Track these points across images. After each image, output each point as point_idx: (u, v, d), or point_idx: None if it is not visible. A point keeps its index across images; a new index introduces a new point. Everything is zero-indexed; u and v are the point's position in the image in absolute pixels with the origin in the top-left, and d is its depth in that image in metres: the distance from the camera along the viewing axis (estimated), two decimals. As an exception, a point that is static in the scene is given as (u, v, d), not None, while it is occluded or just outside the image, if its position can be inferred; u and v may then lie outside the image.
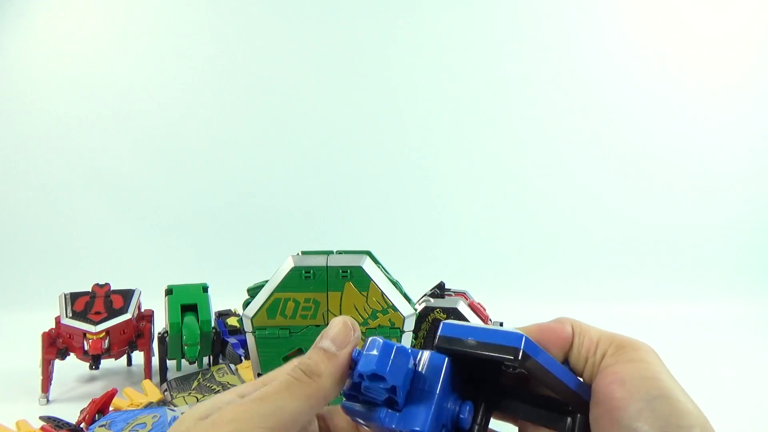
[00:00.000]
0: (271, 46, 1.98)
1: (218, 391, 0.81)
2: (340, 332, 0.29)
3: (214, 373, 0.89)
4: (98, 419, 0.70)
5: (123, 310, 0.98)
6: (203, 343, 0.96)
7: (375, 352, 0.26)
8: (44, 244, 1.78)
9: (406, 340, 0.67)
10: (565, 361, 0.29)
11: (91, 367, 0.94)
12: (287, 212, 1.91)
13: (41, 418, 0.74)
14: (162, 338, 0.97)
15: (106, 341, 0.94)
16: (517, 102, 2.01)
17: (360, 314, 0.66)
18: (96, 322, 0.95)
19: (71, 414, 0.76)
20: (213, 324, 1.00)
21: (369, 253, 0.69)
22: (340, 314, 0.67)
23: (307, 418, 0.28)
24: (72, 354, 0.96)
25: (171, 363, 1.01)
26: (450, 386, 0.27)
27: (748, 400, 0.97)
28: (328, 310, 0.66)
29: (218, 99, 1.96)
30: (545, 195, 1.96)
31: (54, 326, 0.96)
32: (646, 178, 1.97)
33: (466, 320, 0.86)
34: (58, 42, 1.89)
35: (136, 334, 1.00)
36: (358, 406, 0.28)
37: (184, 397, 0.80)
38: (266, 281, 0.67)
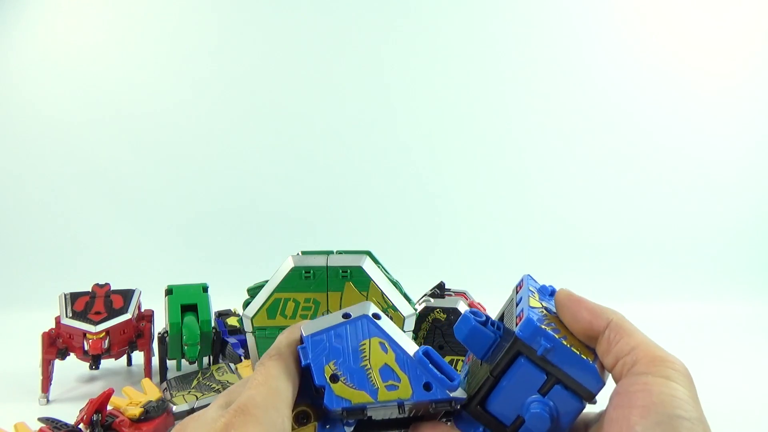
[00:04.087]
0: (269, 47, 1.98)
1: (218, 390, 0.81)
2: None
3: (214, 372, 0.89)
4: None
5: (123, 310, 0.98)
6: (203, 343, 0.96)
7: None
8: (44, 244, 1.77)
9: None
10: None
11: (91, 367, 0.94)
12: (287, 212, 1.90)
13: (40, 419, 0.73)
14: (162, 338, 0.97)
15: (106, 341, 0.94)
16: (517, 101, 2.01)
17: (360, 314, 0.66)
18: (96, 322, 0.95)
19: (71, 414, 0.76)
20: (213, 324, 1.00)
21: (369, 253, 0.69)
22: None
23: None
24: (72, 354, 0.96)
25: (171, 363, 1.01)
26: None
27: (749, 401, 0.97)
28: (328, 310, 0.66)
29: (218, 100, 1.96)
30: (545, 195, 1.96)
31: (54, 326, 0.96)
32: (647, 179, 1.97)
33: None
34: (59, 42, 1.88)
35: (136, 334, 1.00)
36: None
37: (183, 395, 0.80)
38: (266, 281, 0.67)
